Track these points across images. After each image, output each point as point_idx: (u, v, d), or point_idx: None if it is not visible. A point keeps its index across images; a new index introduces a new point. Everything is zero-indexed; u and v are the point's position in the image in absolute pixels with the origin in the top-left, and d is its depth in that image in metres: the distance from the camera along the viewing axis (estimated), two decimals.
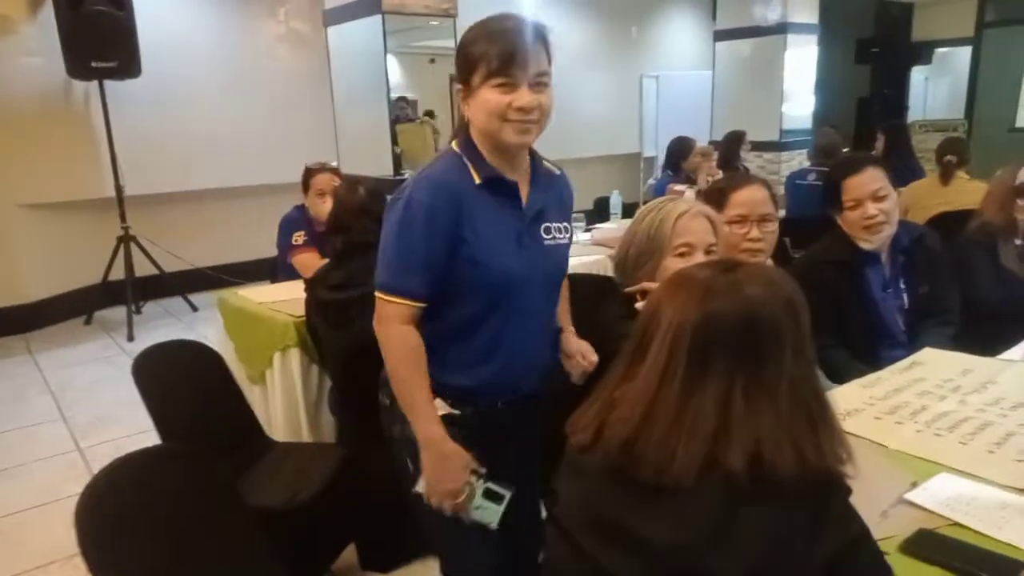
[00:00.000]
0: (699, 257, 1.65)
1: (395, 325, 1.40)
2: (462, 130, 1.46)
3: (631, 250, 1.72)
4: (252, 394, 2.64)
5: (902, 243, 2.18)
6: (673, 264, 1.62)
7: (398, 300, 1.39)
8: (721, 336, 0.91)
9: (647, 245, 1.68)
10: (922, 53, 10.10)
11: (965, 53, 9.63)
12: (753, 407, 0.89)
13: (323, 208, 2.93)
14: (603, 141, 8.07)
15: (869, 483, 1.28)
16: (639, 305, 1.61)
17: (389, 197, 1.47)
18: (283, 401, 2.56)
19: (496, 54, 1.33)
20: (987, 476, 1.31)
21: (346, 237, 2.31)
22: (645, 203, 1.85)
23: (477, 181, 1.41)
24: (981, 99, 9.51)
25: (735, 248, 1.91)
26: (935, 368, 1.84)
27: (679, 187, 4.72)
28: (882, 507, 1.23)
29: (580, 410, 1.06)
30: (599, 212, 5.15)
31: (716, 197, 1.95)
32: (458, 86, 1.43)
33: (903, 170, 4.62)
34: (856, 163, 2.15)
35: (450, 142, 1.48)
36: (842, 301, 2.15)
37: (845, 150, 7.31)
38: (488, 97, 1.36)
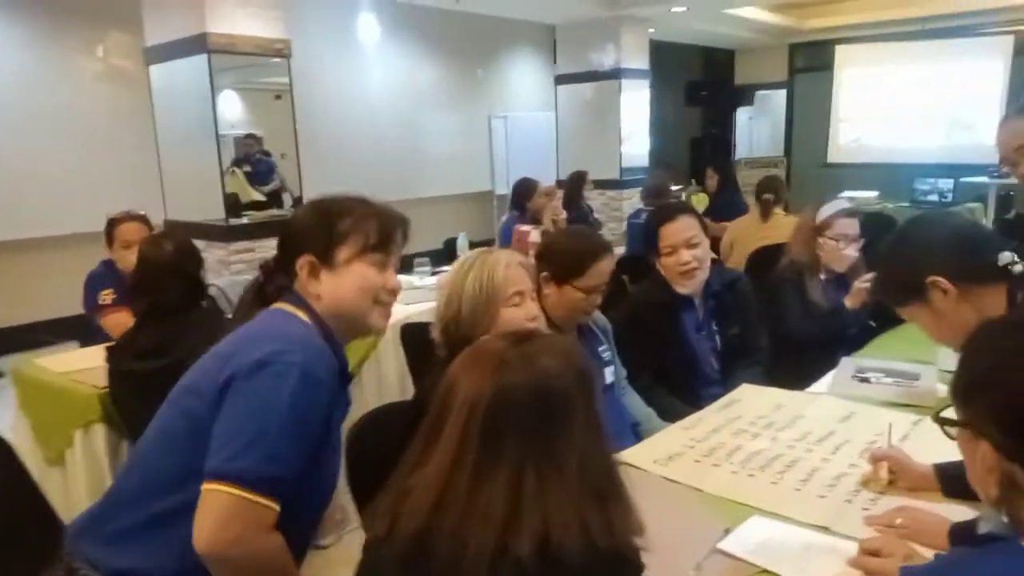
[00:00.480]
0: (529, 305, 1.63)
1: (270, 536, 1.10)
2: (302, 301, 1.25)
3: (463, 308, 1.61)
4: (50, 478, 2.34)
5: (714, 287, 2.28)
6: (509, 314, 1.58)
7: (274, 502, 1.09)
8: (514, 411, 0.87)
9: (480, 299, 1.60)
10: (745, 95, 11.02)
11: (781, 95, 10.61)
12: (543, 486, 0.85)
13: (133, 260, 2.68)
14: (455, 180, 8.10)
15: (684, 533, 1.29)
16: None
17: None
18: (88, 484, 2.28)
19: (377, 228, 1.25)
20: (794, 515, 1.35)
21: (152, 298, 2.12)
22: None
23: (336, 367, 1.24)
24: (797, 137, 10.49)
25: (576, 311, 1.95)
26: (750, 405, 1.92)
27: (525, 227, 4.79)
28: (696, 559, 1.22)
29: (378, 497, 0.98)
30: (447, 253, 5.12)
31: (574, 263, 1.91)
32: (306, 258, 1.24)
33: (731, 205, 4.96)
34: (671, 211, 2.24)
35: (284, 308, 1.26)
36: (663, 341, 2.22)
37: (676, 187, 7.80)
38: (364, 273, 1.24)
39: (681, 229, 2.18)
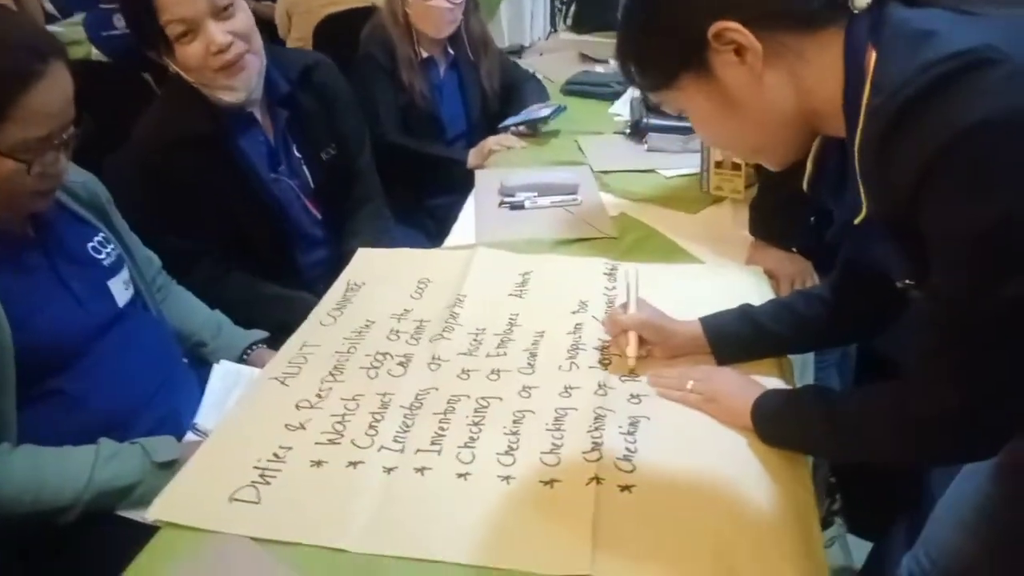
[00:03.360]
0: None
1: None
2: None
3: None
4: None
5: (281, 89, 1.38)
6: None
7: None
8: None
9: None
10: None
11: None
12: None
13: None
14: None
15: None
16: None
17: None
18: None
19: None
20: (516, 566, 0.70)
21: None
22: None
23: None
24: None
25: (14, 196, 0.93)
26: (377, 292, 1.18)
27: None
28: None
29: None
30: None
31: None
32: None
33: None
34: None
35: None
36: (218, 199, 1.31)
37: None
38: None
39: None
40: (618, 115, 1.94)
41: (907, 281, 0.69)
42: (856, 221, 0.68)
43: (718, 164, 1.42)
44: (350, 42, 2.17)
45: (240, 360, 1.26)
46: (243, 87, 1.28)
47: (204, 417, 1.14)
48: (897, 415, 0.68)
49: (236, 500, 0.78)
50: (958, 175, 0.55)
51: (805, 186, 0.79)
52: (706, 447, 0.83)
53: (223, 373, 1.22)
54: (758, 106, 0.70)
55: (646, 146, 1.72)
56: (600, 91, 2.11)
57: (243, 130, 1.35)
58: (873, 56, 0.63)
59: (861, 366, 1.54)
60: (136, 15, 1.21)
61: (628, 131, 1.82)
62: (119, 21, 3.17)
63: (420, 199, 1.88)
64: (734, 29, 0.65)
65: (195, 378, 1.21)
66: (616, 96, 2.06)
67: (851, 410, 0.74)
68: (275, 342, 1.23)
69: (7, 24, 0.89)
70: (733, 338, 0.95)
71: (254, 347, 1.28)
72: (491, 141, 1.83)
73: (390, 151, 1.76)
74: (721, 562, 0.69)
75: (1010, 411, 0.63)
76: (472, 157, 1.83)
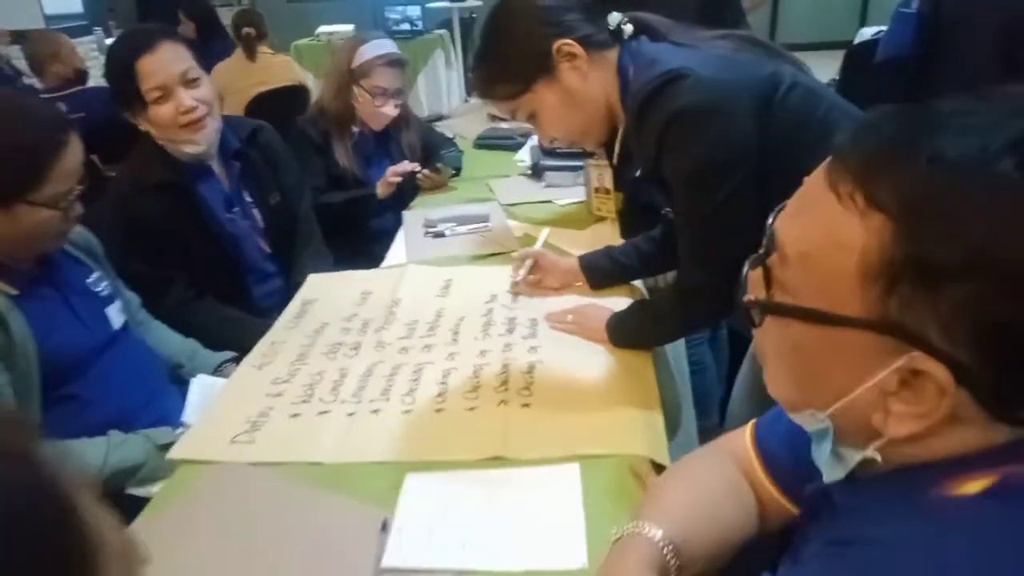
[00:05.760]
0: None
1: None
2: None
3: None
4: None
5: (232, 146, 1.67)
6: None
7: None
8: None
9: None
10: None
11: None
12: None
13: None
14: None
15: (327, 557, 0.83)
16: None
17: None
18: None
19: None
20: (454, 453, 0.98)
21: None
22: None
23: None
24: None
25: (42, 237, 1.20)
26: (330, 303, 1.46)
27: None
28: None
29: None
30: None
31: (20, 167, 1.12)
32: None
33: (222, 54, 4.06)
34: (146, 36, 1.49)
35: None
36: (183, 237, 1.58)
37: None
38: None
39: (169, 60, 1.48)
40: (521, 160, 2.30)
41: (667, 209, 1.10)
42: (636, 175, 1.08)
43: (596, 190, 1.77)
44: (278, 118, 2.45)
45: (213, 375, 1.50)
46: (204, 142, 1.56)
47: (189, 417, 1.38)
48: (677, 295, 1.09)
49: (235, 442, 1.04)
50: (673, 141, 0.95)
51: (615, 160, 1.16)
52: (580, 370, 1.14)
53: (201, 384, 1.45)
54: (587, 98, 1.09)
55: (544, 183, 2.07)
56: (505, 143, 2.47)
57: (203, 179, 1.62)
58: (631, 71, 1.04)
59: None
60: (121, 81, 1.49)
61: (529, 172, 2.17)
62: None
63: (357, 243, 2.14)
64: (570, 44, 1.05)
65: (177, 392, 1.44)
66: (519, 146, 2.43)
67: (656, 305, 1.16)
68: (241, 361, 1.48)
69: (31, 104, 1.16)
70: (598, 269, 1.40)
71: (224, 365, 1.52)
72: (389, 171, 2.11)
73: (319, 212, 1.97)
74: (594, 432, 0.98)
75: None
76: (380, 188, 2.10)
